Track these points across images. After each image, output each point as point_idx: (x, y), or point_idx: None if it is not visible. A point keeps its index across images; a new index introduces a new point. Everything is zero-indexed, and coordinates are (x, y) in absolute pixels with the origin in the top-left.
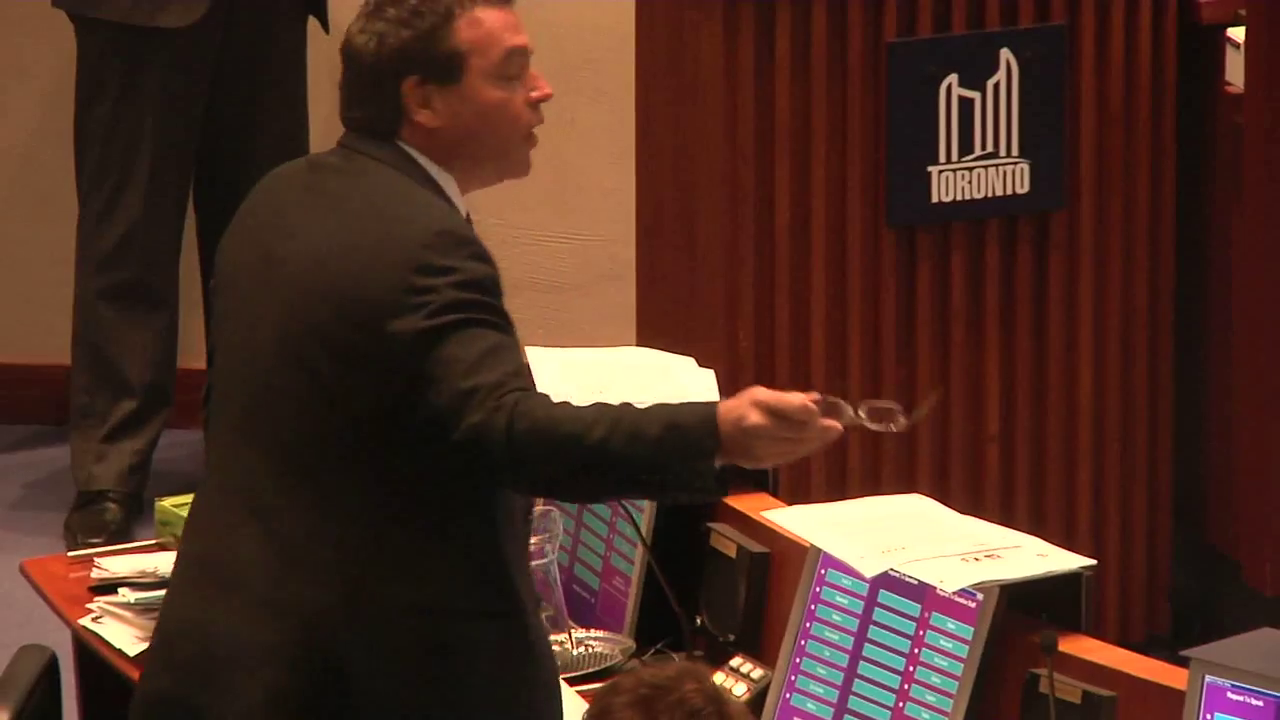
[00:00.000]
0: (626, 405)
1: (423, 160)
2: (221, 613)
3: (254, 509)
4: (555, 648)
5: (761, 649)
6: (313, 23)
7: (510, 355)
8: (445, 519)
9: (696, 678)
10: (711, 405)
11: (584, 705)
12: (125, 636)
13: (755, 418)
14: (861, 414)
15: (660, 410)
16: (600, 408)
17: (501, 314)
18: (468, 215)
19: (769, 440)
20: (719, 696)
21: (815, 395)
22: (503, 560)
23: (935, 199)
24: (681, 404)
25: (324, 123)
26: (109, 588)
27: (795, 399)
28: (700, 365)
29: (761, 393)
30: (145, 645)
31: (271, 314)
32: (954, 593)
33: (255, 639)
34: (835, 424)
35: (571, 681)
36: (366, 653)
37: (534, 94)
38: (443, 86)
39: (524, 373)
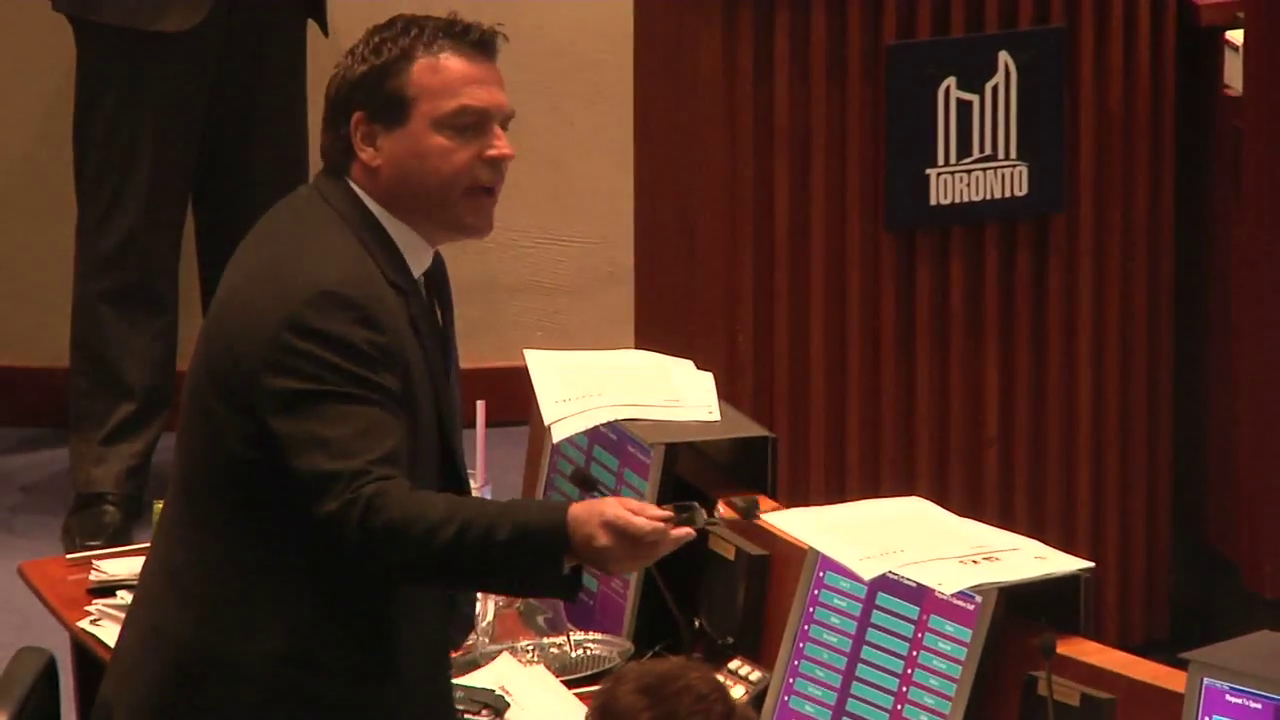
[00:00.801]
0: (481, 503)
1: (370, 203)
2: (128, 629)
3: (165, 535)
4: (554, 650)
5: (760, 651)
6: (312, 26)
7: (377, 437)
8: (318, 573)
9: (699, 668)
10: (562, 512)
11: (581, 707)
12: None
13: (604, 539)
14: (717, 514)
15: (509, 509)
16: (454, 505)
17: (376, 386)
18: (436, 264)
19: (618, 559)
20: (722, 685)
21: (669, 510)
22: (380, 623)
23: (934, 201)
24: (532, 504)
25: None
26: (107, 590)
27: (644, 524)
28: (699, 368)
29: (611, 511)
30: None
31: (197, 353)
32: (952, 595)
33: (138, 659)
34: (688, 530)
35: (570, 684)
36: (224, 691)
37: (489, 151)
38: (388, 127)
39: (391, 457)
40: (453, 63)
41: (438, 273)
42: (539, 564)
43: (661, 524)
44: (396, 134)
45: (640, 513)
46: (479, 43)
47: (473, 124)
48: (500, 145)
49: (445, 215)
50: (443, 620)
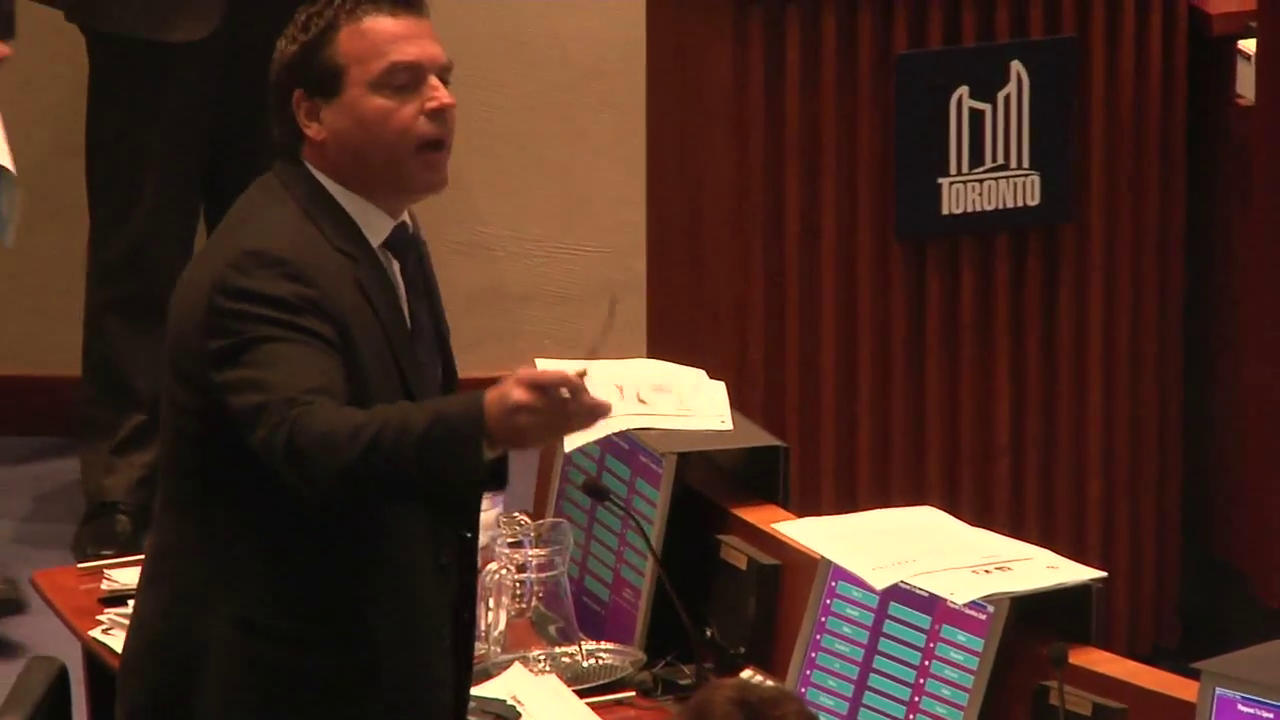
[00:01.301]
0: (403, 405)
1: (324, 179)
2: (129, 628)
3: (155, 522)
4: (565, 659)
5: (771, 661)
6: None
7: (308, 372)
8: (284, 546)
9: (798, 701)
10: (478, 393)
11: (593, 716)
12: None
13: (519, 394)
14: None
15: (429, 404)
16: (375, 410)
17: (305, 329)
18: (396, 233)
19: (533, 414)
20: None
21: (583, 369)
22: (352, 595)
23: (945, 211)
24: (451, 396)
25: None
26: (119, 599)
27: (556, 372)
28: (711, 377)
29: (525, 371)
30: None
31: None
32: (964, 605)
33: (127, 652)
34: (604, 401)
35: (582, 694)
36: (194, 665)
37: (429, 104)
38: (327, 100)
39: (323, 388)
40: (377, 23)
41: (402, 244)
42: (459, 446)
43: (575, 377)
44: (335, 105)
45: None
46: (400, 1)
47: (407, 82)
48: (439, 95)
49: (399, 176)
50: (435, 586)
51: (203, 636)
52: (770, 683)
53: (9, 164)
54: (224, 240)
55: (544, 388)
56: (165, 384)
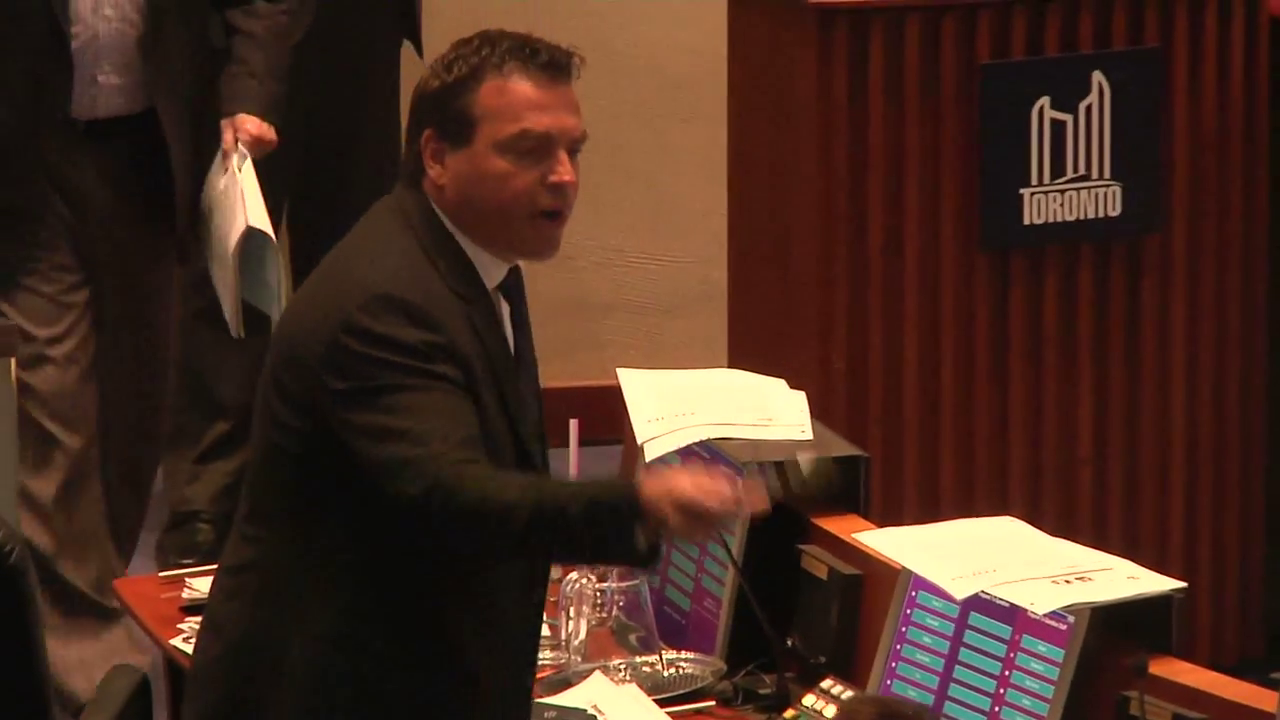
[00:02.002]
0: (550, 483)
1: (443, 216)
2: (203, 627)
3: (237, 533)
4: (646, 669)
5: (853, 671)
6: (407, 48)
7: (450, 421)
8: (369, 564)
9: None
10: (633, 489)
11: None
12: None
13: (673, 518)
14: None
15: (580, 490)
16: (528, 485)
17: (436, 375)
18: (506, 280)
19: (684, 528)
20: None
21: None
22: (437, 611)
23: (1027, 221)
24: (604, 482)
25: None
26: (200, 608)
27: (713, 499)
28: (792, 387)
29: (680, 486)
30: None
31: (268, 356)
32: (1044, 615)
33: (201, 658)
34: (762, 495)
35: (662, 703)
36: (273, 679)
37: (550, 177)
38: (454, 146)
39: (467, 440)
40: (520, 85)
41: (513, 286)
42: (614, 534)
43: (731, 502)
44: (462, 153)
45: (710, 488)
46: (549, 64)
47: (535, 148)
48: (562, 171)
49: (507, 237)
50: (523, 612)
51: (285, 649)
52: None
53: (269, 229)
54: (343, 269)
55: (700, 514)
56: (266, 399)
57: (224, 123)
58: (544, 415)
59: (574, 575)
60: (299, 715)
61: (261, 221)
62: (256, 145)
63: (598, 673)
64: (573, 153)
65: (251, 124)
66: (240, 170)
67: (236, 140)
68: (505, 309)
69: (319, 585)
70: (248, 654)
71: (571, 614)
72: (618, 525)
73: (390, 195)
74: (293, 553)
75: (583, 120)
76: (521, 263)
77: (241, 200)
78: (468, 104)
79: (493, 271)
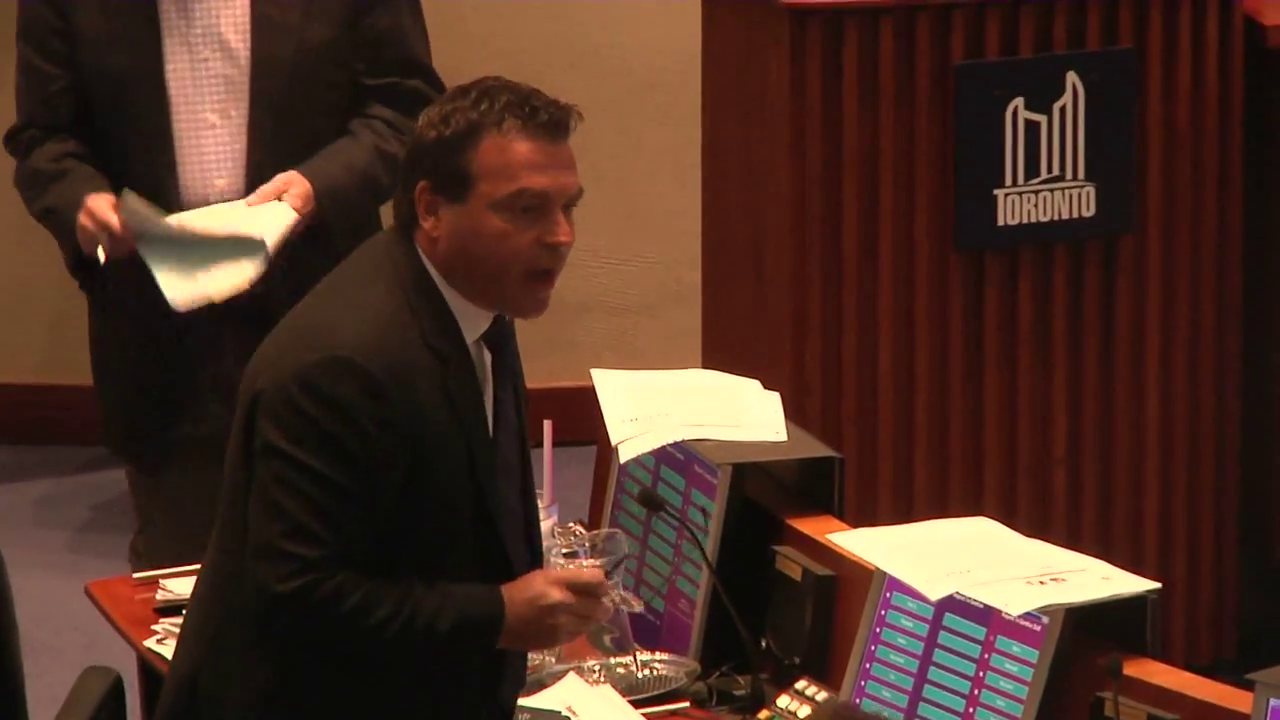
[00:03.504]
0: (427, 597)
1: (430, 267)
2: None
3: (204, 565)
4: (620, 670)
5: (827, 672)
6: None
7: (341, 529)
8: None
9: None
10: (498, 596)
11: None
12: None
13: (556, 594)
14: (615, 597)
15: (454, 605)
16: (400, 599)
17: (359, 467)
18: (490, 329)
19: (569, 616)
20: None
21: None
22: (378, 678)
23: (1002, 222)
24: (473, 594)
25: None
26: (174, 609)
27: (590, 571)
28: (766, 388)
29: (552, 572)
30: None
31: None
32: (1019, 616)
33: (163, 695)
34: (610, 604)
35: (637, 704)
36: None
37: (548, 237)
38: (449, 201)
39: (346, 552)
40: (518, 144)
41: (498, 334)
42: (473, 647)
43: (600, 574)
44: (457, 209)
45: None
46: (548, 124)
47: (533, 206)
48: (559, 232)
49: (498, 295)
50: (493, 676)
51: (222, 698)
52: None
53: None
54: (323, 318)
55: (581, 590)
56: (234, 429)
57: (288, 177)
58: (530, 463)
59: None
60: None
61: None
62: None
63: (572, 674)
64: (568, 210)
65: (302, 200)
66: (287, 216)
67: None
68: (487, 359)
69: (263, 636)
70: (189, 694)
71: None
72: (480, 640)
73: (382, 237)
74: (243, 596)
75: (579, 176)
76: None
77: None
78: (465, 161)
79: (477, 323)
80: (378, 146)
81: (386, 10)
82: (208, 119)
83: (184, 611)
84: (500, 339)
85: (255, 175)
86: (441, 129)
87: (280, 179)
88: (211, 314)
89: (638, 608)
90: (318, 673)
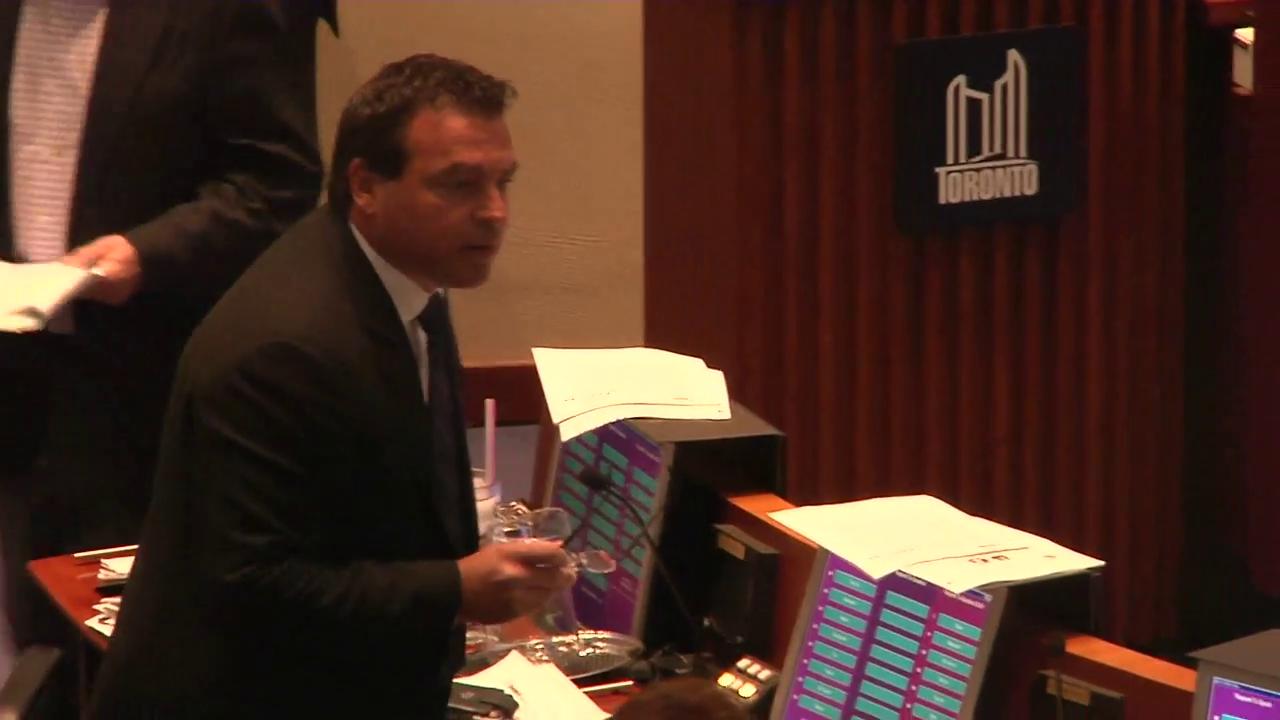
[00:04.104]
0: (374, 580)
1: (366, 246)
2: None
3: (139, 553)
4: (563, 649)
5: (770, 650)
6: (322, 26)
7: (290, 514)
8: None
9: (726, 705)
10: (454, 572)
11: (591, 706)
12: None
13: (510, 569)
14: (583, 560)
15: (410, 579)
16: (354, 582)
17: (307, 452)
18: (427, 309)
19: (524, 590)
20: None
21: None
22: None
23: (943, 200)
24: (431, 568)
25: (332, 126)
26: (116, 589)
27: (545, 544)
28: (708, 367)
29: (507, 547)
30: None
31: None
32: (962, 594)
33: (99, 677)
34: (572, 571)
35: (580, 683)
36: (152, 708)
37: (480, 213)
38: (383, 177)
39: (296, 539)
40: (452, 119)
41: (434, 316)
42: (433, 626)
43: (558, 550)
44: (391, 186)
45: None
46: (481, 100)
47: (467, 182)
48: (492, 207)
49: (435, 270)
50: (433, 657)
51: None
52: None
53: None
54: (260, 305)
55: (534, 560)
56: (168, 420)
57: (111, 240)
58: (466, 441)
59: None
60: None
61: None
62: (106, 281)
63: (515, 653)
64: (503, 184)
65: (122, 265)
66: (72, 276)
67: (98, 260)
68: (423, 339)
69: (202, 623)
70: (124, 677)
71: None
72: (438, 617)
73: (314, 217)
74: (184, 580)
75: (513, 150)
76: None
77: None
78: (399, 137)
79: (414, 302)
80: (216, 212)
81: (245, 70)
82: (42, 153)
83: (121, 595)
84: (436, 320)
85: (78, 217)
86: (375, 105)
87: (102, 242)
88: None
89: (611, 566)
90: (257, 658)
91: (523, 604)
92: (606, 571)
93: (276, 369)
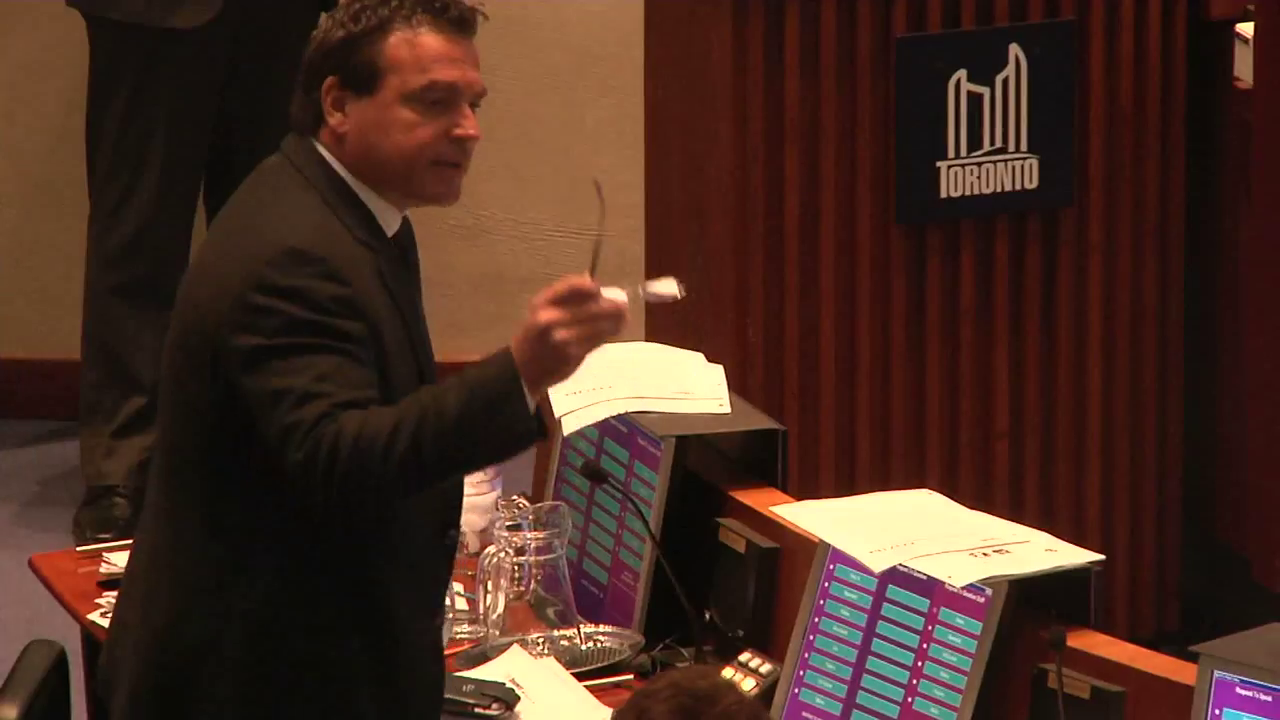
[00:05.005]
0: (427, 389)
1: (338, 166)
2: (125, 609)
3: (151, 515)
4: (564, 642)
5: (770, 644)
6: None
7: (337, 381)
8: (295, 534)
9: (735, 691)
10: (504, 350)
11: (592, 699)
12: None
13: (545, 314)
14: (645, 287)
15: (456, 379)
16: (404, 405)
17: (340, 333)
18: (404, 225)
19: (568, 328)
20: (758, 708)
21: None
22: (365, 574)
23: (944, 194)
24: (474, 364)
25: None
26: (118, 583)
27: (569, 278)
28: (709, 361)
29: (535, 298)
30: None
31: (171, 327)
32: (963, 588)
33: (131, 641)
34: (621, 300)
35: (580, 677)
36: (205, 664)
37: (454, 130)
38: (357, 95)
39: (355, 400)
40: (428, 38)
41: (405, 236)
42: (505, 407)
43: (584, 281)
44: (365, 102)
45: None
46: (457, 20)
47: (441, 99)
48: (466, 125)
49: (408, 185)
50: (435, 559)
51: (215, 638)
52: (700, 667)
53: None
54: (246, 227)
55: (566, 298)
56: (173, 369)
57: None
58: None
59: (491, 549)
60: (237, 704)
61: None
62: None
63: (515, 646)
64: (474, 106)
65: None
66: None
67: None
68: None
69: (240, 569)
70: (175, 644)
71: (489, 587)
72: (503, 394)
73: (275, 158)
74: (208, 533)
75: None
76: (433, 233)
77: None
78: (375, 55)
79: (389, 220)
80: None
81: None
82: None
83: (130, 569)
84: (409, 239)
85: None
86: (350, 26)
87: None
88: None
89: (675, 290)
90: (304, 586)
91: (576, 344)
92: (673, 295)
93: (289, 274)
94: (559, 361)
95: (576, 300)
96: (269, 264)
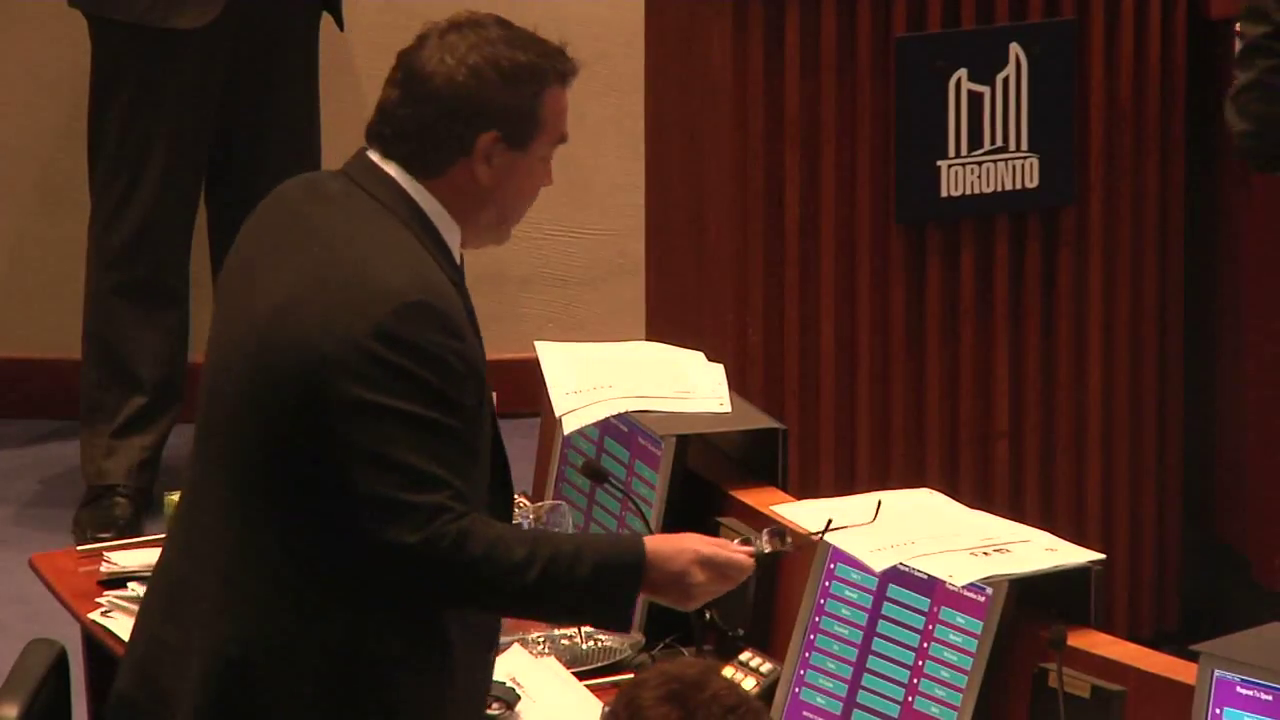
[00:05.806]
0: (557, 541)
1: (427, 206)
2: (172, 631)
3: (210, 536)
4: (565, 641)
5: (771, 643)
6: (327, 19)
7: (456, 469)
8: (365, 569)
9: (723, 678)
10: (640, 550)
11: (593, 699)
12: None
13: (700, 575)
14: (763, 542)
15: (593, 548)
16: (534, 545)
17: (458, 408)
18: (461, 259)
19: (706, 579)
20: (746, 694)
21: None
22: (435, 616)
23: (944, 193)
24: (607, 541)
25: (333, 119)
26: (118, 582)
27: (737, 555)
28: (710, 360)
29: (702, 546)
30: None
31: (244, 348)
32: (963, 587)
33: (189, 665)
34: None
35: (581, 676)
36: (281, 688)
37: (546, 181)
38: (512, 149)
39: (467, 491)
40: (562, 95)
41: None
42: (613, 602)
43: (749, 557)
44: (512, 156)
45: (723, 548)
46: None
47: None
48: (549, 179)
49: (497, 232)
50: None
51: (290, 655)
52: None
53: None
54: (340, 261)
55: (724, 570)
56: (254, 395)
57: None
58: None
59: None
60: None
61: None
62: None
63: (516, 645)
64: None
65: None
66: None
67: None
68: None
69: (328, 591)
70: (250, 657)
71: None
72: (621, 590)
73: (337, 175)
74: (299, 557)
75: None
76: None
77: None
78: (538, 111)
79: (456, 245)
80: None
81: None
82: None
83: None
84: (460, 272)
85: None
86: (515, 83)
87: None
88: None
89: (789, 546)
90: (386, 619)
91: (704, 594)
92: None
93: (413, 328)
94: (683, 598)
95: (734, 573)
96: (393, 314)
